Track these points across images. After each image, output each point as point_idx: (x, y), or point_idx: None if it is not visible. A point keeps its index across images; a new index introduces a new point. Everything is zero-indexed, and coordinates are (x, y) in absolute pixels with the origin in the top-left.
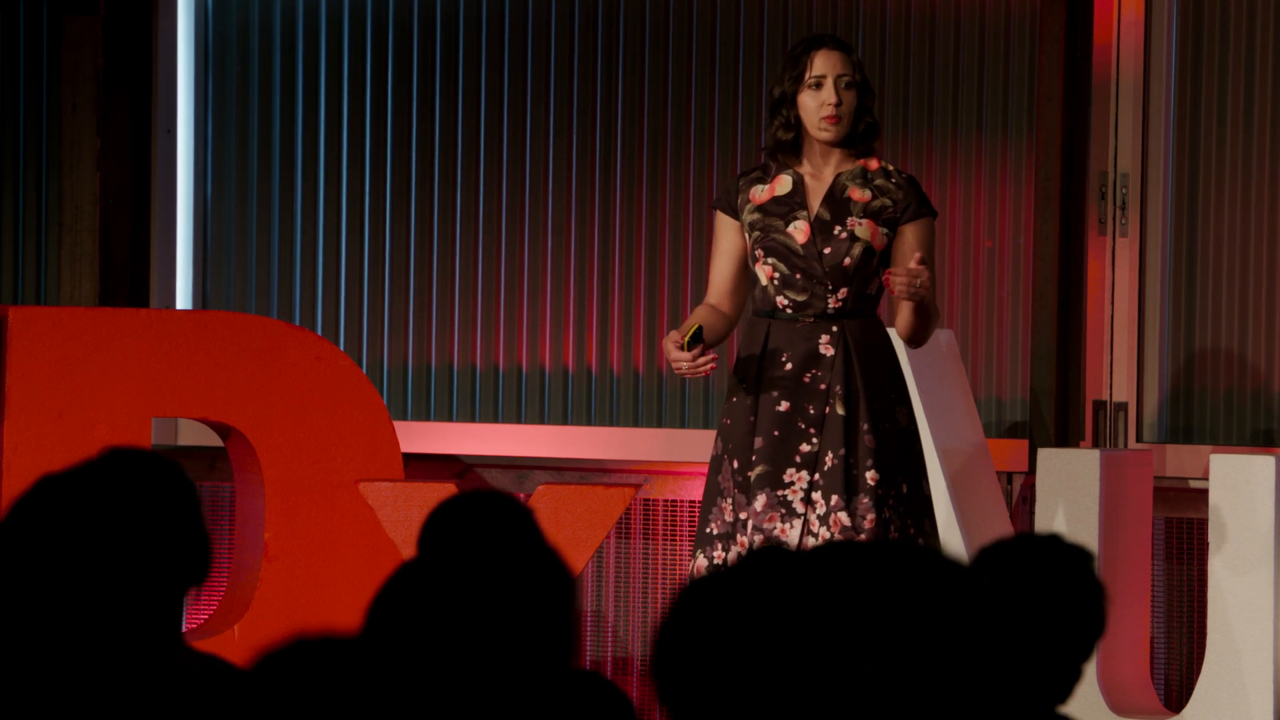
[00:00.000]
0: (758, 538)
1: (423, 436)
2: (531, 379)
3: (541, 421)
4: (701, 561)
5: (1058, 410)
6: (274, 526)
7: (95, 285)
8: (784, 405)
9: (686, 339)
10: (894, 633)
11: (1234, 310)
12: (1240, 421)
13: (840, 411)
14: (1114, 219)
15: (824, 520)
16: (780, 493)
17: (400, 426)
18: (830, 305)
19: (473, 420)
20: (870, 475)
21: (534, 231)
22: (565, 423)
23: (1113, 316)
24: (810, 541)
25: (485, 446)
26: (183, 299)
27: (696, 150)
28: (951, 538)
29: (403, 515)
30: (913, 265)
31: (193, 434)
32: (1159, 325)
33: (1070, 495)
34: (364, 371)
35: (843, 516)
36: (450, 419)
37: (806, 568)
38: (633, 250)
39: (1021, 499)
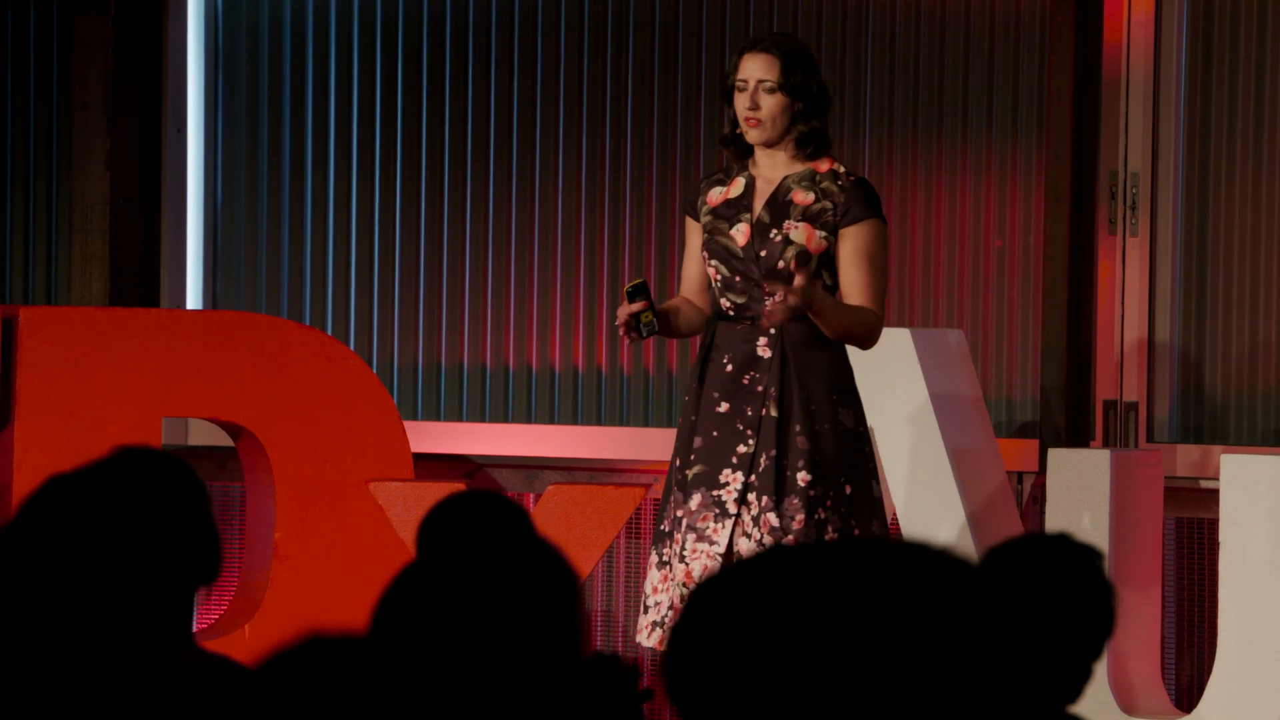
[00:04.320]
0: (691, 536)
1: (433, 436)
2: (541, 379)
3: (551, 421)
4: (653, 557)
5: (1068, 410)
6: (284, 526)
7: (105, 285)
8: (724, 406)
9: (628, 288)
10: (904, 632)
11: (1245, 310)
12: (1251, 421)
13: (773, 414)
14: (1124, 219)
15: (756, 521)
16: (715, 492)
17: (410, 426)
18: (768, 308)
19: (482, 420)
20: (801, 477)
21: (544, 231)
22: (575, 423)
23: (1123, 316)
24: (743, 542)
25: (495, 446)
26: (193, 299)
27: (706, 150)
28: (961, 538)
29: (413, 515)
30: (777, 297)
31: (203, 434)
32: (1169, 325)
33: (1081, 495)
34: (374, 371)
35: (771, 517)
36: (460, 419)
37: (816, 567)
38: (642, 250)
39: (1032, 499)
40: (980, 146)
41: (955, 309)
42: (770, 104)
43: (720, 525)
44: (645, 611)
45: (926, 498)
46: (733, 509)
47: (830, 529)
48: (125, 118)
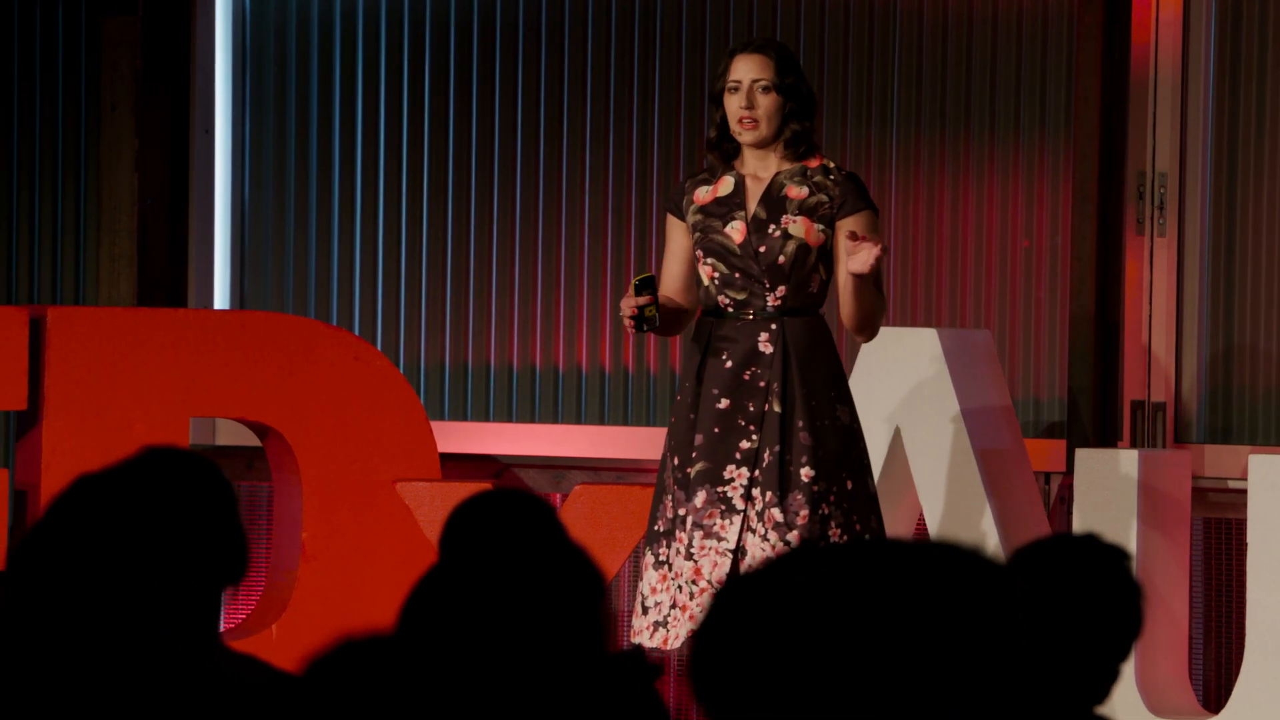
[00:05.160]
0: (698, 534)
1: (460, 436)
2: (568, 379)
3: (578, 421)
4: (649, 558)
5: (1096, 410)
6: (311, 526)
7: (133, 285)
8: (724, 403)
9: (636, 281)
10: (929, 632)
11: (1273, 309)
12: (1279, 421)
13: (777, 409)
14: (1152, 219)
15: (760, 516)
16: (720, 489)
17: (437, 426)
18: (769, 304)
19: (509, 420)
20: (805, 472)
21: (571, 231)
22: (602, 423)
23: (1151, 316)
24: (749, 537)
25: (522, 446)
26: (220, 299)
27: None
28: (989, 538)
29: (440, 515)
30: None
31: (231, 434)
32: (1197, 325)
33: (1108, 496)
34: (401, 371)
35: (775, 513)
36: (487, 419)
37: (843, 566)
38: None
39: (1059, 499)
40: (1007, 146)
41: (982, 309)
42: (766, 103)
43: (728, 521)
44: (644, 613)
45: (953, 498)
46: (739, 504)
47: (833, 524)
48: (153, 118)
